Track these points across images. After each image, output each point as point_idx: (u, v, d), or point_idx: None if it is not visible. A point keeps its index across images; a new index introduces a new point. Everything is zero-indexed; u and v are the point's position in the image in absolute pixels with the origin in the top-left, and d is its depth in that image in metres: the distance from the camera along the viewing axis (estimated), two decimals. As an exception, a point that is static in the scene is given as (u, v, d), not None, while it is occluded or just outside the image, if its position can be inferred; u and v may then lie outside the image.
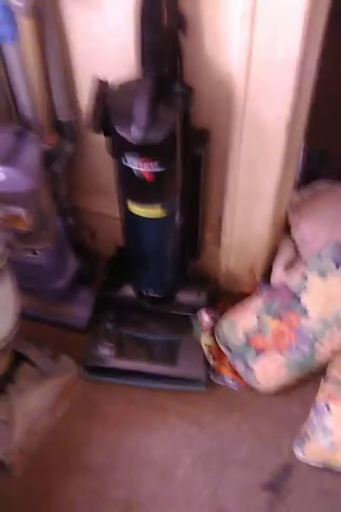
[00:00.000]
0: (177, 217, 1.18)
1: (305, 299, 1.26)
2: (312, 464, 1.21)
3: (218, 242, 1.39)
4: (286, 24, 0.94)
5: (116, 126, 0.98)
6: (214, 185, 1.28)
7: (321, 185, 1.53)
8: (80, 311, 1.44)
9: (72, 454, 1.27)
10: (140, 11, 0.93)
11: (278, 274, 1.39)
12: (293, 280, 1.30)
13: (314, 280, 1.27)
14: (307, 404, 1.29)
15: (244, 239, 1.35)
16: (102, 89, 1.03)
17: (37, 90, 1.17)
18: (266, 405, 1.32)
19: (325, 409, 1.21)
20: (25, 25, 1.10)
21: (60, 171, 1.24)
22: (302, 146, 1.37)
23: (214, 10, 0.99)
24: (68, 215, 1.35)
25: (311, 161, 1.51)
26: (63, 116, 1.23)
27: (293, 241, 1.44)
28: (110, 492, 1.22)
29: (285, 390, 1.31)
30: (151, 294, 1.36)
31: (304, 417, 1.27)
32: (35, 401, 1.28)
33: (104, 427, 1.30)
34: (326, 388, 1.25)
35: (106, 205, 1.43)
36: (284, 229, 1.47)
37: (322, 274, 1.26)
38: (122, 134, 0.97)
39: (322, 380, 1.29)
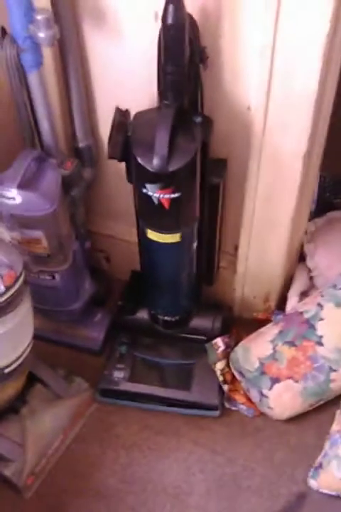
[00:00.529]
0: (194, 244, 1.20)
1: (321, 328, 1.26)
2: (326, 493, 1.20)
3: (233, 268, 1.40)
4: (305, 58, 0.96)
5: (137, 155, 0.99)
6: (231, 213, 1.29)
7: (336, 214, 1.54)
8: (95, 333, 1.44)
9: (85, 477, 1.26)
10: (163, 44, 0.96)
11: (293, 303, 1.39)
12: (309, 309, 1.30)
13: (330, 310, 1.27)
14: (322, 433, 1.28)
15: (259, 267, 1.35)
16: (123, 119, 1.06)
17: (57, 117, 1.20)
18: (280, 433, 1.31)
19: (340, 440, 1.20)
20: (49, 55, 1.14)
21: (79, 196, 1.25)
22: (318, 175, 1.39)
23: (233, 44, 1.01)
24: (85, 238, 1.37)
25: (326, 190, 1.51)
26: (83, 142, 1.25)
27: (308, 270, 1.45)
28: (122, 517, 1.21)
29: (299, 418, 1.31)
30: (166, 319, 1.36)
31: (318, 445, 1.26)
32: (47, 423, 1.27)
33: (117, 451, 1.30)
34: (341, 419, 1.25)
35: (121, 230, 1.45)
36: (299, 258, 1.48)
37: (338, 304, 1.26)
38: (143, 163, 0.99)
39: (338, 411, 1.28)
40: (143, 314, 1.41)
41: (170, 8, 0.90)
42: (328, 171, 1.49)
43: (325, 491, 1.20)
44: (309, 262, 1.43)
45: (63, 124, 1.27)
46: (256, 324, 1.41)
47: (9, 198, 1.08)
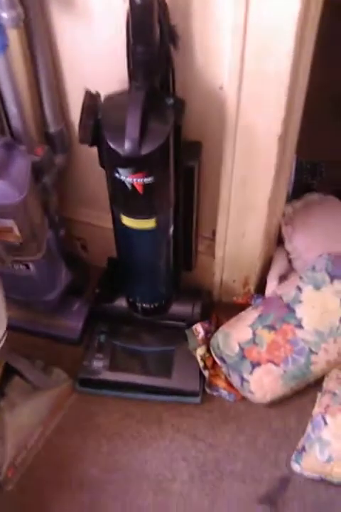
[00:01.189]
0: (171, 230, 1.17)
1: (300, 311, 1.26)
2: (309, 476, 1.20)
3: (212, 253, 1.38)
4: (277, 36, 0.93)
5: (107, 139, 0.97)
6: (208, 197, 1.27)
7: (313, 197, 1.53)
8: (73, 323, 1.43)
9: (66, 468, 1.25)
10: (131, 24, 0.92)
11: (272, 286, 1.38)
12: (288, 292, 1.30)
13: (309, 292, 1.27)
14: (304, 416, 1.28)
15: (238, 251, 1.34)
16: (93, 102, 1.02)
17: (26, 101, 1.16)
18: (262, 417, 1.31)
19: (322, 422, 1.20)
20: (15, 38, 1.10)
21: (51, 183, 1.22)
22: (294, 157, 1.37)
23: (205, 23, 0.98)
24: (59, 226, 1.34)
25: (303, 173, 1.51)
26: (53, 128, 1.22)
27: (287, 253, 1.44)
28: (105, 507, 1.20)
29: (281, 402, 1.30)
30: (145, 306, 1.35)
31: (301, 429, 1.27)
32: (27, 415, 1.26)
33: (99, 441, 1.29)
34: (323, 401, 1.25)
35: (98, 216, 1.42)
36: (277, 241, 1.47)
37: (317, 286, 1.26)
38: (114, 147, 0.96)
39: (319, 393, 1.28)
40: (121, 302, 1.39)
41: (137, -15, 0.87)
42: (305, 154, 1.47)
43: (308, 475, 1.20)
44: (287, 245, 1.42)
45: (32, 109, 1.22)
46: (236, 308, 1.40)
47: (-23, 187, 1.05)
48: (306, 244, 1.39)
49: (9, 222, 1.11)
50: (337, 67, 1.86)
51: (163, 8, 0.95)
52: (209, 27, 0.99)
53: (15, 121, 1.13)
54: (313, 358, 1.24)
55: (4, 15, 0.95)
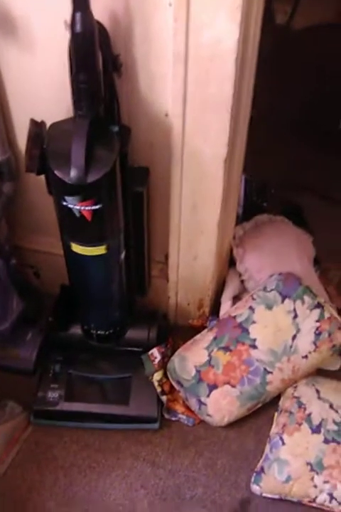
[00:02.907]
0: (122, 255, 1.17)
1: (254, 331, 1.27)
2: (269, 497, 1.20)
3: (165, 277, 1.39)
4: (218, 62, 0.96)
5: (53, 168, 0.96)
6: (158, 221, 1.28)
7: (263, 218, 1.56)
8: (26, 353, 1.38)
9: (23, 502, 1.21)
10: (73, 53, 0.93)
11: (226, 307, 1.39)
12: (241, 313, 1.31)
13: (261, 312, 1.28)
14: (262, 436, 1.29)
15: (191, 273, 1.35)
16: (38, 131, 1.02)
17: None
18: (221, 440, 1.31)
19: (280, 442, 1.21)
20: None
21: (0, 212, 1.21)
22: (243, 179, 1.39)
23: (147, 51, 1.00)
24: (10, 255, 1.32)
25: (253, 194, 1.53)
26: (0, 156, 1.20)
27: (239, 274, 1.45)
28: (64, 542, 1.17)
29: (239, 423, 1.31)
30: (100, 333, 1.33)
31: (259, 449, 1.27)
32: (-19, 451, 1.22)
33: (56, 473, 1.25)
34: (280, 421, 1.26)
35: (49, 243, 1.41)
36: (229, 262, 1.48)
37: (269, 306, 1.28)
38: (60, 175, 0.95)
39: (276, 412, 1.29)
40: (75, 329, 1.37)
41: (77, 16, 0.88)
42: (254, 175, 1.50)
43: (268, 495, 1.20)
44: (239, 266, 1.44)
45: (-22, 138, 1.22)
46: (192, 331, 1.41)
47: None
48: (257, 265, 1.41)
49: None
50: (291, 90, 1.92)
51: (105, 36, 0.96)
52: (151, 55, 1.00)
53: None
54: (268, 377, 1.25)
55: None
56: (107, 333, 1.33)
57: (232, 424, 1.30)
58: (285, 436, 1.22)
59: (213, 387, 1.26)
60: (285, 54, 1.92)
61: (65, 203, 0.99)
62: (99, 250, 1.09)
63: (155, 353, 1.33)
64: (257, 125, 1.22)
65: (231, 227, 1.40)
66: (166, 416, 1.32)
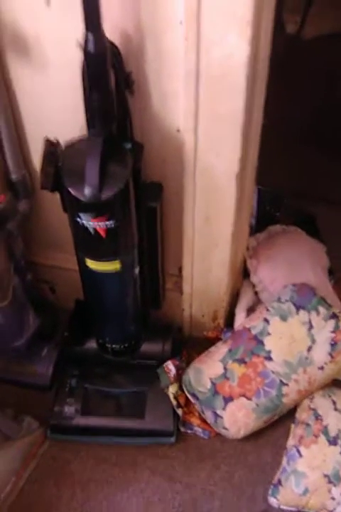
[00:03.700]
0: (136, 270, 1.18)
1: (269, 343, 1.27)
2: (286, 509, 1.19)
3: (179, 290, 1.39)
4: (229, 78, 0.96)
5: (68, 186, 0.97)
6: (172, 235, 1.28)
7: (276, 229, 1.56)
8: (42, 368, 1.40)
9: (41, 518, 1.22)
10: (86, 72, 0.94)
11: (240, 319, 1.39)
12: (256, 324, 1.31)
13: (276, 324, 1.28)
14: (278, 449, 1.28)
15: (205, 285, 1.35)
16: (53, 149, 1.03)
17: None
18: (238, 453, 1.30)
19: (297, 454, 1.21)
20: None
21: (15, 229, 1.22)
22: (256, 190, 1.40)
23: (159, 69, 1.01)
24: (26, 271, 1.33)
25: (266, 204, 1.53)
26: (15, 175, 1.22)
27: (253, 285, 1.45)
28: None
29: (255, 435, 1.30)
30: (115, 347, 1.34)
31: (276, 461, 1.26)
32: (-1, 466, 1.23)
33: (73, 488, 1.26)
34: (296, 433, 1.25)
35: (64, 259, 1.42)
36: (243, 273, 1.48)
37: (284, 317, 1.28)
38: (75, 193, 0.96)
39: (293, 424, 1.29)
40: (91, 344, 1.38)
41: (90, 36, 0.89)
42: (267, 185, 1.50)
43: (286, 508, 1.19)
44: (253, 278, 1.44)
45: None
46: (207, 343, 1.41)
47: None
48: (271, 276, 1.41)
49: (-27, 272, 1.10)
50: (302, 99, 1.93)
51: (117, 55, 0.98)
52: (163, 72, 1.01)
53: (-23, 171, 1.13)
54: (284, 389, 1.25)
55: None
56: (122, 347, 1.33)
57: (248, 437, 1.29)
58: (302, 449, 1.21)
59: (229, 399, 1.26)
60: (296, 63, 1.93)
61: (79, 220, 1.00)
62: (114, 266, 1.10)
63: (170, 365, 1.33)
64: (269, 134, 1.22)
65: (244, 238, 1.40)
66: (182, 429, 1.32)
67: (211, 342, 1.40)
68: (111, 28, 0.93)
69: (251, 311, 1.41)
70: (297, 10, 2.09)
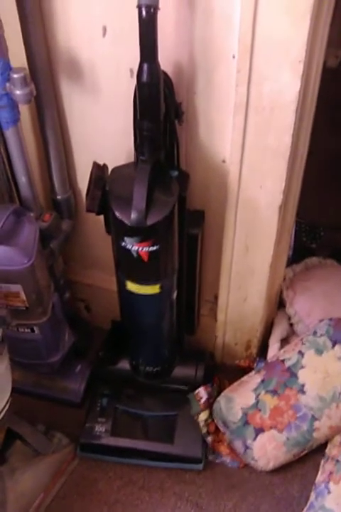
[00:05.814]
0: (174, 294, 1.19)
1: (303, 376, 1.26)
2: None
3: (214, 316, 1.39)
4: (278, 112, 0.98)
5: (114, 210, 1.00)
6: (210, 262, 1.30)
7: (313, 261, 1.56)
8: (75, 385, 1.42)
9: (67, 536, 1.22)
10: (139, 101, 0.97)
11: (274, 350, 1.38)
12: (290, 357, 1.30)
13: (310, 357, 1.27)
14: (307, 483, 1.26)
15: (240, 314, 1.35)
16: (100, 173, 1.06)
17: (35, 171, 1.20)
18: (265, 484, 1.29)
19: (325, 490, 1.18)
20: (26, 111, 1.15)
21: (57, 248, 1.25)
22: (294, 221, 1.40)
23: (208, 100, 1.03)
24: (64, 289, 1.36)
25: (303, 236, 1.53)
26: (61, 195, 1.26)
27: (288, 317, 1.45)
28: None
29: (284, 468, 1.29)
30: (148, 369, 1.34)
31: (304, 496, 1.24)
32: (28, 481, 1.23)
33: (100, 508, 1.26)
34: (326, 468, 1.23)
35: (101, 278, 1.45)
36: (279, 304, 1.48)
37: (319, 351, 1.27)
38: (121, 217, 0.99)
39: (322, 459, 1.27)
40: (124, 365, 1.39)
41: (145, 66, 0.92)
42: (304, 217, 1.51)
43: (313, 545, 1.17)
44: (288, 309, 1.44)
45: (41, 177, 1.28)
46: (239, 371, 1.41)
47: (-13, 253, 1.08)
48: (307, 309, 1.40)
49: (16, 287, 1.12)
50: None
51: (169, 86, 1.00)
52: (212, 104, 1.04)
53: (25, 190, 1.16)
54: (316, 424, 1.24)
55: (18, 92, 1.00)
56: (155, 370, 1.34)
57: (277, 469, 1.28)
58: (331, 485, 1.18)
59: (259, 431, 1.25)
60: (336, 95, 1.95)
61: (123, 244, 1.02)
62: (153, 289, 1.11)
63: (202, 392, 1.33)
64: (306, 165, 1.23)
65: (281, 269, 1.41)
66: (210, 457, 1.31)
67: (243, 371, 1.39)
68: (165, 59, 0.96)
69: (284, 342, 1.40)
70: (337, 44, 2.11)
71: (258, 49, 0.92)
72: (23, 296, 1.15)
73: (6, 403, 1.10)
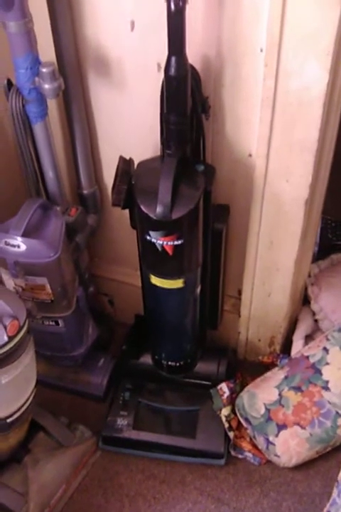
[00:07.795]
0: (198, 289, 1.19)
1: (327, 373, 1.25)
2: (335, 543, 1.17)
3: (237, 312, 1.39)
4: (305, 107, 0.97)
5: (140, 203, 1.00)
6: (234, 257, 1.29)
7: (338, 257, 1.54)
8: (98, 379, 1.43)
9: (88, 527, 1.23)
10: (166, 95, 0.97)
11: (298, 346, 1.37)
12: (314, 353, 1.29)
13: (335, 354, 1.26)
14: (329, 480, 1.26)
15: (263, 310, 1.35)
16: (126, 168, 1.07)
17: (62, 166, 1.21)
18: (287, 481, 1.28)
19: (348, 488, 1.18)
20: (54, 105, 1.16)
21: (83, 243, 1.26)
22: (320, 218, 1.39)
23: (235, 95, 1.04)
24: (89, 283, 1.37)
25: (328, 232, 1.52)
26: (87, 190, 1.27)
27: (313, 313, 1.44)
28: None
29: (306, 465, 1.28)
30: (170, 364, 1.35)
31: (326, 493, 1.23)
32: (51, 472, 1.24)
33: (121, 501, 1.27)
34: (349, 466, 1.22)
35: (125, 273, 1.46)
36: (303, 300, 1.47)
37: (344, 348, 1.26)
38: (146, 211, 0.99)
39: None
40: (146, 359, 1.40)
41: (173, 60, 0.92)
42: (331, 213, 1.49)
43: (335, 542, 1.17)
44: (313, 305, 1.43)
45: (68, 172, 1.29)
46: (261, 367, 1.41)
47: (14, 246, 1.09)
48: (333, 305, 1.39)
49: (42, 280, 1.14)
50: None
51: (197, 80, 1.01)
52: (239, 98, 1.04)
53: (51, 184, 1.18)
54: (340, 421, 1.23)
55: (46, 86, 1.02)
56: (178, 364, 1.34)
57: (299, 466, 1.27)
58: (354, 483, 1.18)
59: (282, 427, 1.25)
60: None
61: (148, 238, 1.02)
62: (177, 284, 1.12)
63: (224, 387, 1.33)
64: (333, 162, 1.22)
65: (307, 265, 1.40)
66: (232, 452, 1.31)
67: (266, 367, 1.39)
68: (193, 53, 0.95)
69: (308, 338, 1.39)
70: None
71: (286, 42, 0.91)
72: (48, 289, 1.16)
73: (31, 393, 1.12)
